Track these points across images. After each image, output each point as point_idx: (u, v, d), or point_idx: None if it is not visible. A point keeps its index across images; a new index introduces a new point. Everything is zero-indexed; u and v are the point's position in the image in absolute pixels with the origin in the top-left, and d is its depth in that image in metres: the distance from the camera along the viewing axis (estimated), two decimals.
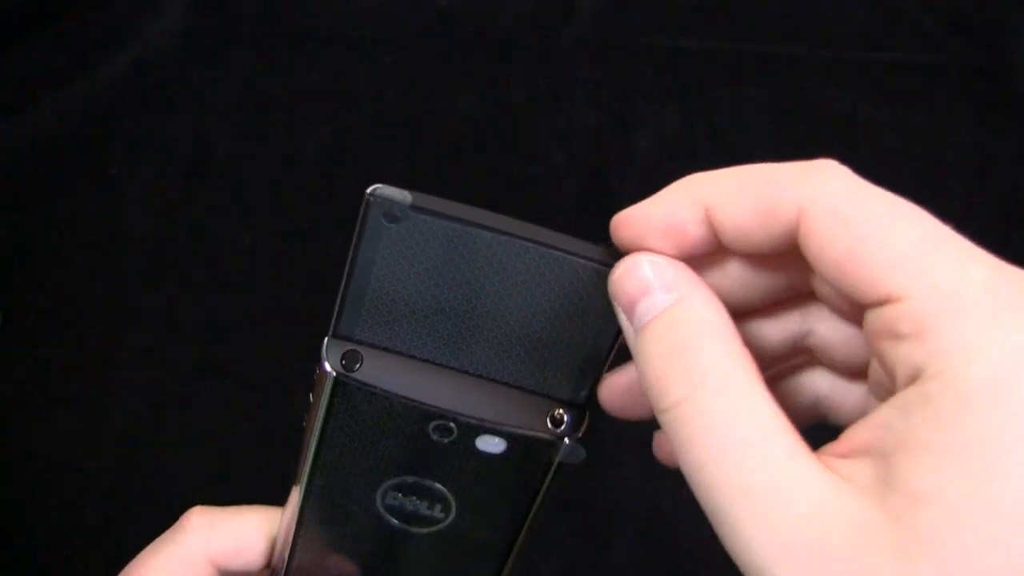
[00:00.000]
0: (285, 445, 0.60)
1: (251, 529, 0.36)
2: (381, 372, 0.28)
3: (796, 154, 0.61)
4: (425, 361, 0.29)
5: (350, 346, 0.29)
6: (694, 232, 0.25)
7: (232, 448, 0.57)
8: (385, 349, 0.29)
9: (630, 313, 0.26)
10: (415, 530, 0.31)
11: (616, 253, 0.27)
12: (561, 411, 0.29)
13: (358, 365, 0.29)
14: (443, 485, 0.30)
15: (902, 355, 0.22)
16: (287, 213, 0.61)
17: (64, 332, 0.59)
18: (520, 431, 0.28)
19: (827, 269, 0.24)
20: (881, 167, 0.67)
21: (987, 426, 0.20)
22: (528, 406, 0.29)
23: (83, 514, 0.56)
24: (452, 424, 0.28)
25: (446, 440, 0.28)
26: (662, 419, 0.24)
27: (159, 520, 0.59)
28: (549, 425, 0.29)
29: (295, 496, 0.33)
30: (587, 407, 0.29)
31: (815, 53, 0.63)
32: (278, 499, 0.57)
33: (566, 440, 0.28)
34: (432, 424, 0.28)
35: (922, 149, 0.61)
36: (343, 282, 0.29)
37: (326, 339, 0.29)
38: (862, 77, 0.63)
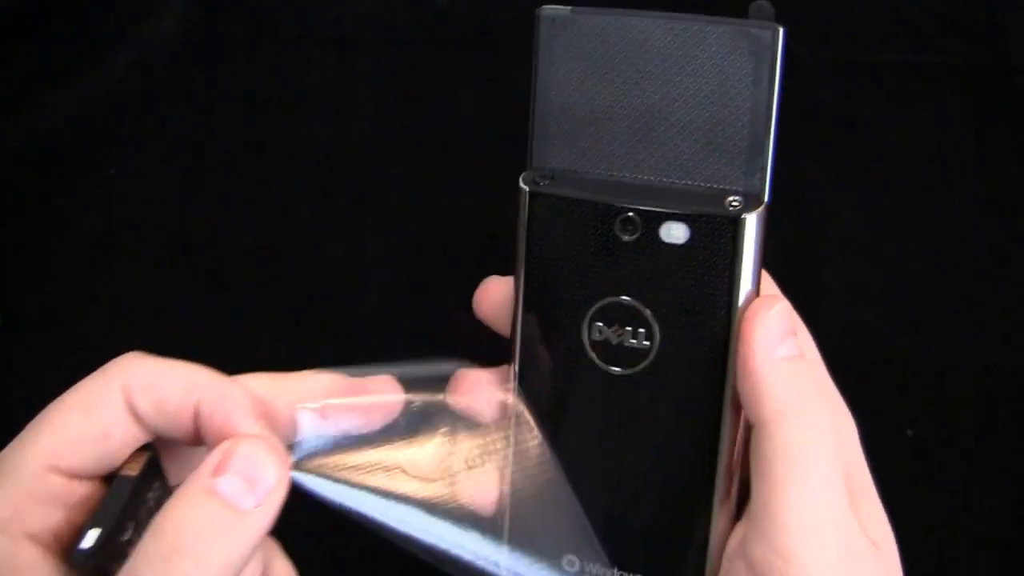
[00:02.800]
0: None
1: (178, 384, 0.36)
2: (568, 185, 0.32)
3: (796, 154, 0.62)
4: (608, 174, 0.32)
5: (543, 171, 0.32)
6: None
7: None
8: (574, 171, 0.32)
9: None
10: (626, 371, 0.31)
11: (764, 12, 0.32)
12: (737, 198, 0.30)
13: (548, 182, 0.32)
14: (641, 301, 0.31)
15: None
16: (287, 213, 0.61)
17: (64, 332, 0.59)
18: (697, 210, 0.30)
19: None
20: (881, 167, 0.67)
21: None
22: (704, 196, 0.31)
23: None
24: (634, 215, 0.30)
25: (632, 237, 0.30)
26: None
27: None
28: (727, 208, 0.30)
29: (513, 349, 0.33)
30: (761, 195, 0.31)
31: (815, 53, 0.63)
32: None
33: (744, 216, 0.29)
34: (617, 220, 0.30)
35: (922, 149, 0.61)
36: (531, 114, 0.32)
37: (523, 173, 0.32)
38: (862, 77, 0.63)
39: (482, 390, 0.35)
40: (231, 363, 0.60)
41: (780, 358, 0.30)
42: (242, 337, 0.59)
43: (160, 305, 0.60)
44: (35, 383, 0.59)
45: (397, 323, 0.59)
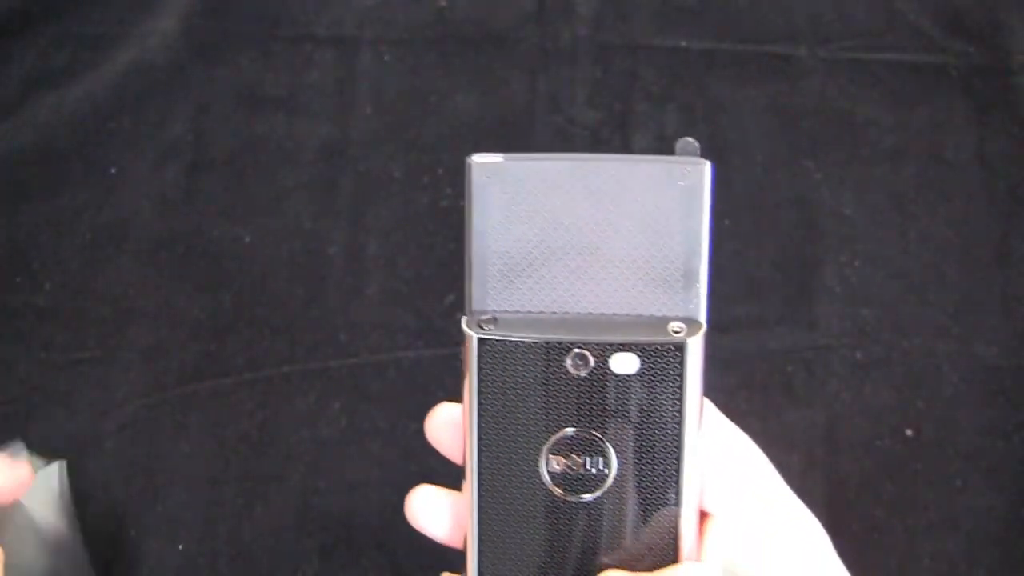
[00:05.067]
0: (284, 445, 0.61)
1: None
2: (515, 326, 0.32)
3: (796, 154, 0.62)
4: (551, 313, 0.33)
5: (485, 315, 0.33)
6: None
7: (232, 448, 0.57)
8: (515, 312, 0.33)
9: None
10: (586, 498, 0.32)
11: (688, 148, 0.32)
12: (678, 324, 0.32)
13: (492, 326, 0.32)
14: (596, 430, 0.32)
15: None
16: (287, 213, 0.61)
17: (64, 332, 0.59)
18: (648, 339, 0.31)
19: None
20: (881, 167, 0.67)
21: None
22: (648, 325, 0.32)
23: (82, 514, 0.56)
24: (586, 352, 0.31)
25: (584, 372, 0.31)
26: None
27: (159, 520, 0.59)
28: (671, 335, 0.32)
29: (468, 486, 0.34)
30: (698, 317, 0.32)
31: (815, 53, 0.63)
32: (278, 499, 0.57)
33: (687, 341, 0.31)
34: (568, 357, 0.31)
35: (922, 149, 0.61)
36: (466, 259, 0.33)
37: (464, 317, 0.33)
38: (862, 77, 0.62)
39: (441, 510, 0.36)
40: (231, 363, 0.60)
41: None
42: (242, 337, 0.59)
43: (160, 305, 0.60)
44: (35, 383, 0.59)
45: (397, 323, 0.59)
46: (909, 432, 0.57)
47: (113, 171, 0.62)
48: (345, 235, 0.60)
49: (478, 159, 0.32)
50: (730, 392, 0.57)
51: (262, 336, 0.59)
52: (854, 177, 0.61)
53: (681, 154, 0.32)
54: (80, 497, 0.56)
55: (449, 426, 0.35)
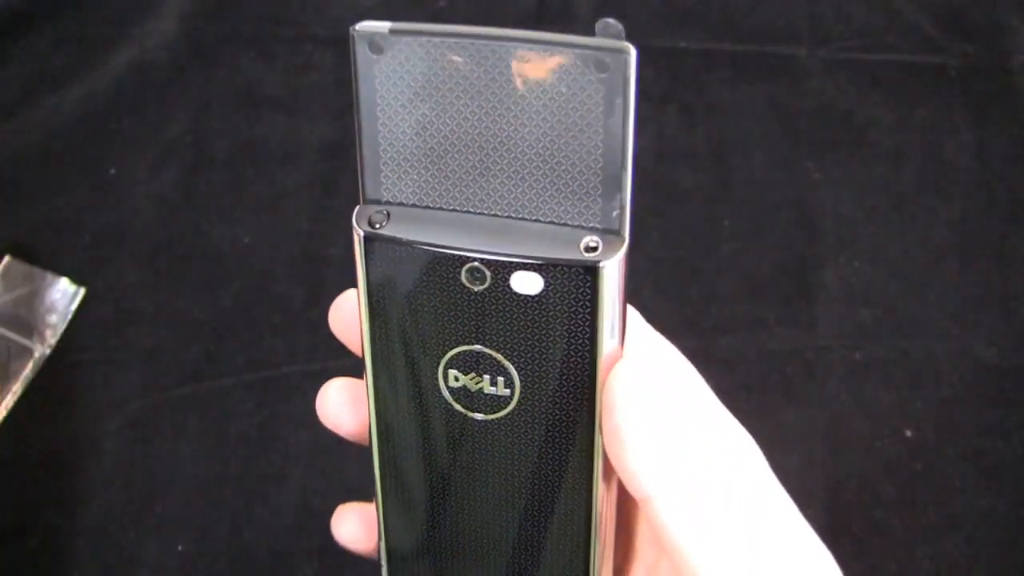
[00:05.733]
0: (284, 445, 0.61)
1: None
2: (408, 225, 0.28)
3: (796, 154, 0.62)
4: (451, 211, 0.28)
5: (378, 208, 0.29)
6: None
7: (232, 448, 0.57)
8: (413, 205, 0.29)
9: None
10: (488, 417, 0.29)
11: (610, 30, 0.27)
12: (594, 238, 0.27)
13: (384, 223, 0.28)
14: (497, 350, 0.28)
15: None
16: (287, 213, 0.61)
17: (64, 331, 0.59)
18: (550, 258, 0.27)
19: None
20: (881, 167, 0.67)
21: None
22: (557, 238, 0.27)
23: (83, 514, 0.56)
24: (481, 265, 0.27)
25: (481, 287, 0.27)
26: None
27: (159, 520, 0.59)
28: (583, 253, 0.27)
29: (367, 391, 0.31)
30: (621, 232, 0.27)
31: (815, 53, 0.63)
32: (277, 498, 0.57)
33: (602, 264, 0.26)
34: (463, 270, 0.27)
35: (922, 149, 0.61)
36: (357, 144, 0.28)
37: (357, 207, 0.29)
38: (862, 77, 0.63)
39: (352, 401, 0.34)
40: (231, 363, 0.60)
41: (646, 436, 0.28)
42: (242, 337, 0.59)
43: (160, 305, 0.60)
44: (35, 383, 0.59)
45: None
46: (909, 432, 0.57)
47: (113, 171, 0.62)
48: (345, 235, 0.60)
49: (363, 28, 0.27)
50: (730, 392, 0.57)
51: (262, 336, 0.59)
52: (854, 177, 0.61)
53: (602, 36, 0.27)
54: (80, 497, 0.56)
55: (355, 318, 0.31)
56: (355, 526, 0.35)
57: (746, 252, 0.60)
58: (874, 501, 0.56)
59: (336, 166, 0.62)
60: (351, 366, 0.60)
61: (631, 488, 0.28)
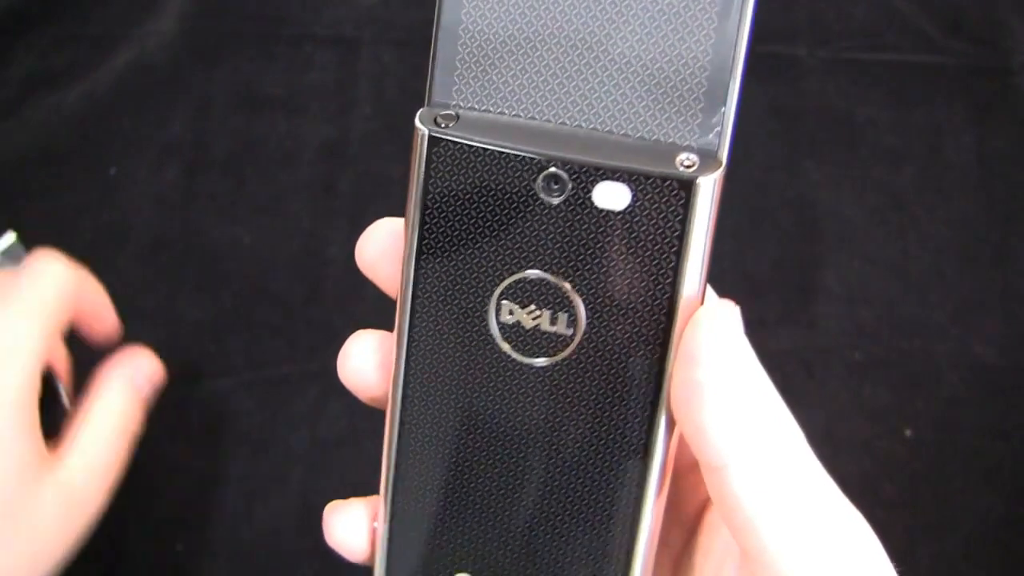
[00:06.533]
0: (285, 445, 0.61)
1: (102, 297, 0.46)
2: (480, 129, 0.25)
3: (796, 154, 0.62)
4: (530, 119, 0.26)
5: (446, 110, 0.26)
6: None
7: (232, 448, 0.57)
8: (486, 111, 0.26)
9: None
10: (541, 362, 0.26)
11: None
12: (690, 156, 0.25)
13: (452, 124, 0.25)
14: (564, 277, 0.25)
15: None
16: (287, 213, 0.61)
17: None
18: (641, 168, 0.24)
19: None
20: (881, 167, 0.67)
21: None
22: (649, 152, 0.25)
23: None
24: (563, 173, 0.24)
25: (558, 198, 0.24)
26: None
27: (159, 520, 0.59)
28: (678, 167, 0.24)
29: (399, 323, 0.28)
30: (719, 154, 0.25)
31: (815, 53, 0.63)
32: (278, 499, 0.57)
33: (699, 180, 0.24)
34: (540, 177, 0.24)
35: (922, 149, 0.61)
36: (433, 36, 0.26)
37: (421, 110, 0.26)
38: (862, 77, 0.63)
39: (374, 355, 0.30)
40: (231, 363, 0.60)
41: (729, 396, 0.25)
42: (242, 337, 0.59)
43: (160, 305, 0.60)
44: None
45: None
46: (908, 432, 0.57)
47: (113, 171, 0.62)
48: (345, 235, 0.60)
49: None
50: None
51: (262, 336, 0.59)
52: (854, 177, 0.61)
53: None
54: None
55: (390, 248, 0.28)
56: (352, 523, 0.32)
57: (746, 252, 0.60)
58: (874, 501, 0.56)
59: (336, 166, 0.62)
60: None
61: (704, 452, 0.25)
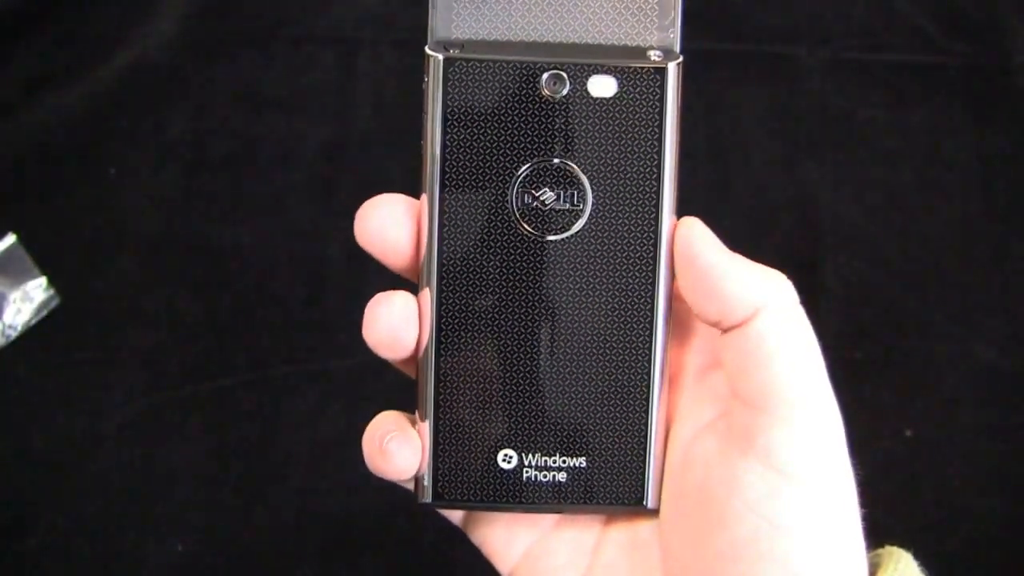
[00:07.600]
0: (284, 445, 0.61)
1: None
2: (484, 49, 0.31)
3: (796, 154, 0.62)
4: (520, 40, 0.32)
5: (450, 41, 0.32)
6: None
7: (231, 448, 0.57)
8: (482, 39, 0.32)
9: None
10: (559, 236, 0.31)
11: None
12: (657, 52, 0.32)
13: (459, 50, 0.31)
14: (571, 159, 0.31)
15: None
16: (287, 213, 0.61)
17: (63, 332, 0.59)
18: (623, 62, 0.31)
19: None
20: (881, 167, 0.67)
21: None
22: (626, 51, 0.32)
23: (83, 514, 0.56)
24: (563, 72, 0.30)
25: (560, 93, 0.31)
26: None
27: (158, 520, 0.59)
28: (650, 60, 0.32)
29: (427, 222, 0.32)
30: (674, 48, 0.32)
31: (815, 53, 0.63)
32: (278, 499, 0.57)
33: (668, 66, 0.31)
34: (544, 78, 0.31)
35: (922, 149, 0.61)
36: None
37: (426, 47, 0.31)
38: (862, 77, 0.63)
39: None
40: (231, 363, 0.60)
41: (740, 259, 0.32)
42: (242, 337, 0.59)
43: (160, 305, 0.60)
44: (35, 383, 0.59)
45: None
46: (909, 432, 0.57)
47: (113, 171, 0.62)
48: (345, 235, 0.60)
49: None
50: None
51: (262, 336, 0.59)
52: (854, 177, 0.61)
53: None
54: (80, 497, 0.56)
55: (390, 216, 0.32)
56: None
57: (746, 252, 0.60)
58: (874, 501, 0.56)
59: (336, 166, 0.62)
60: (352, 367, 0.60)
61: (730, 306, 0.31)
